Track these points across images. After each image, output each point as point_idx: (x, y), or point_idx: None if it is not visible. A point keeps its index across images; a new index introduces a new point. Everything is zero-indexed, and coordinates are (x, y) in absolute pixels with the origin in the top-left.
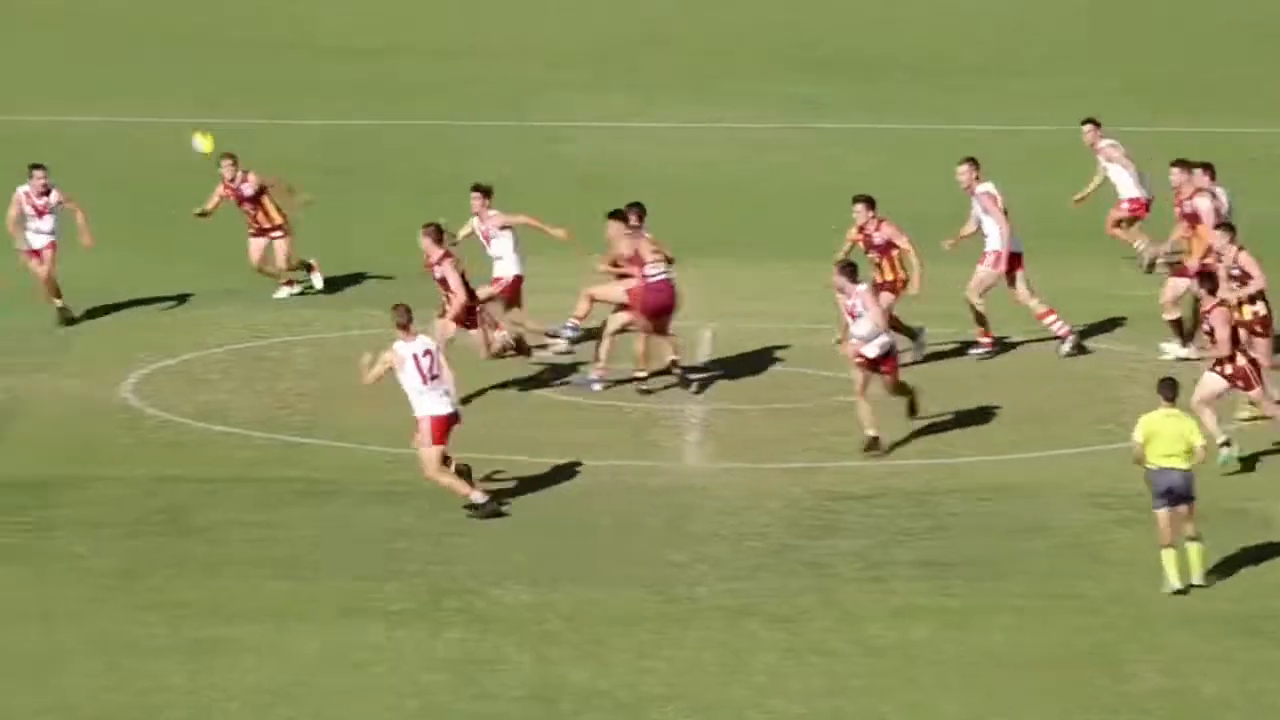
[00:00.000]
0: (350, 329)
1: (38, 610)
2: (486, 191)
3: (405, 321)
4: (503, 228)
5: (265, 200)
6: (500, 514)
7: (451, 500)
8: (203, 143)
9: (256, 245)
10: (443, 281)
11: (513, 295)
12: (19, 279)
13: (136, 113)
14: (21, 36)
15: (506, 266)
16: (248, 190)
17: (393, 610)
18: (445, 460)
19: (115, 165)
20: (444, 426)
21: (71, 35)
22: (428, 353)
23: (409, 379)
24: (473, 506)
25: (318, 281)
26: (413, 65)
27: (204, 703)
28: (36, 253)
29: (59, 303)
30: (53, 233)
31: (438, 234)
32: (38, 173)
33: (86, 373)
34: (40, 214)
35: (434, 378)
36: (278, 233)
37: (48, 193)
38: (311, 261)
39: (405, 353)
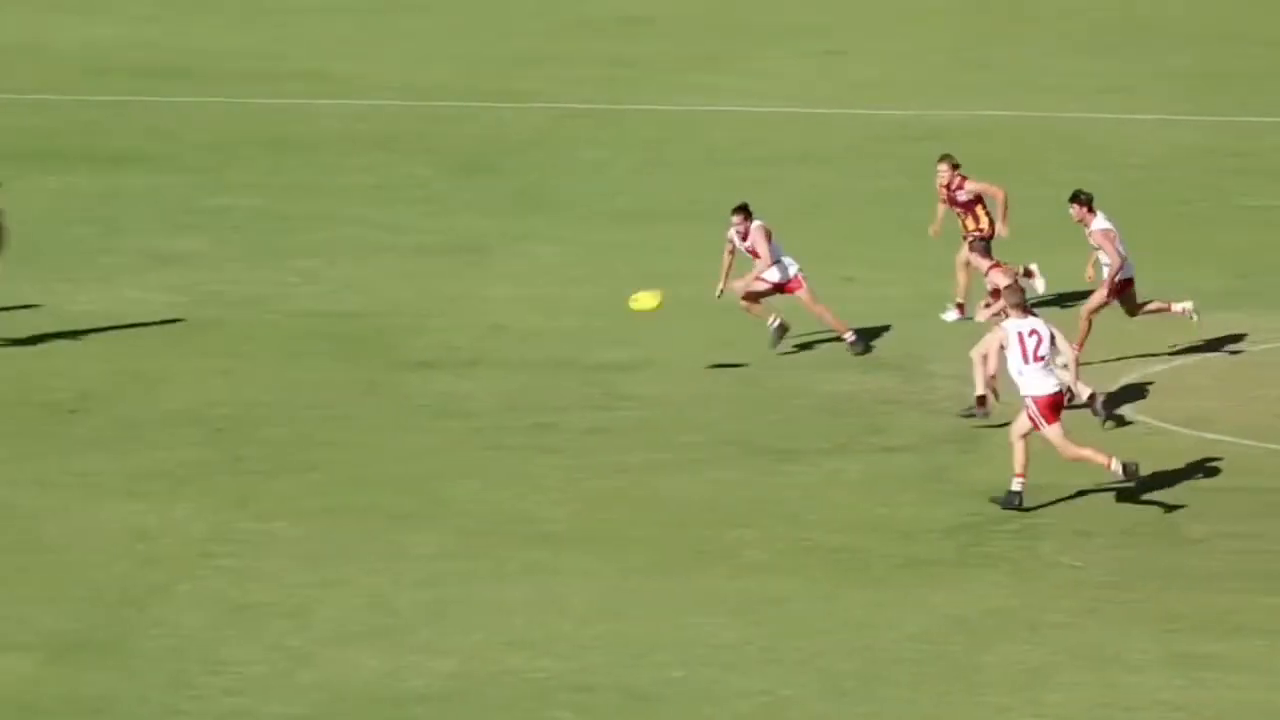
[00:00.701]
0: None
1: (1024, 619)
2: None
3: (1019, 301)
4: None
5: (979, 208)
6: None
7: None
8: (645, 301)
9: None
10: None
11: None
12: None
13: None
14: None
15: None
16: (962, 196)
17: None
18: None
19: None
20: (1051, 404)
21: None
22: (1034, 332)
23: (1012, 357)
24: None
25: (1039, 286)
26: None
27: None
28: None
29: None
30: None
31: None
32: (736, 218)
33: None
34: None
35: (1039, 359)
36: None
37: (746, 236)
38: (1031, 267)
39: (1012, 329)
